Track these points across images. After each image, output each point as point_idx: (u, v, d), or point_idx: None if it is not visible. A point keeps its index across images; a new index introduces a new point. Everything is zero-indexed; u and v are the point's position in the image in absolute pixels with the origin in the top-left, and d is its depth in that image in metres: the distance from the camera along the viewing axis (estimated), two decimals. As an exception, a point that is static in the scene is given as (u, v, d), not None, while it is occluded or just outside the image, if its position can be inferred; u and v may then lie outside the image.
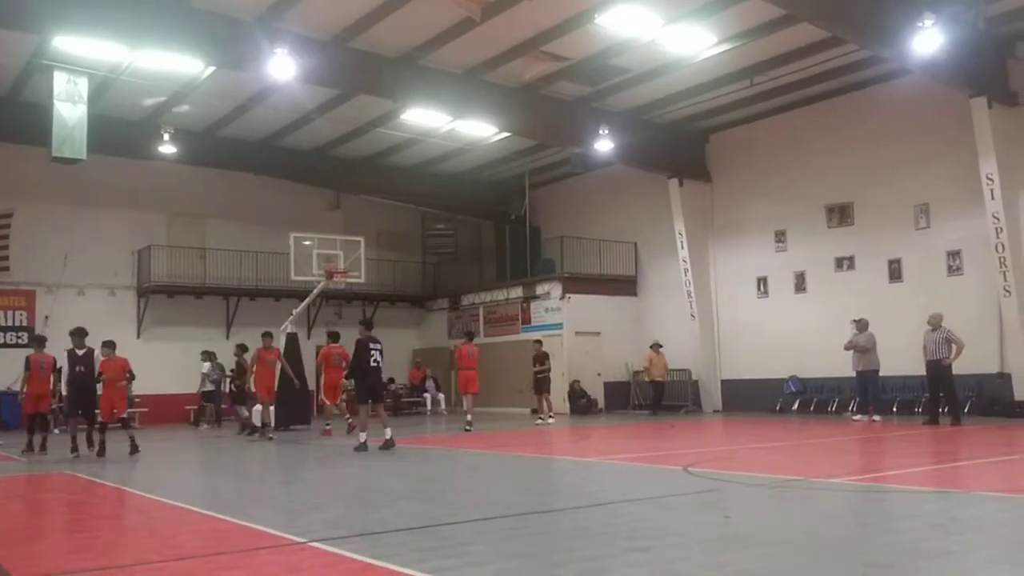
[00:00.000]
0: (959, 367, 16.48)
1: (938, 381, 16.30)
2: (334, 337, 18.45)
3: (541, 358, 20.65)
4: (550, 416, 20.07)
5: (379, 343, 13.77)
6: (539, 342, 21.29)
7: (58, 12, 15.87)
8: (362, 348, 13.51)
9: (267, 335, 17.68)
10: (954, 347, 16.09)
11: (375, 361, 13.54)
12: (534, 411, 20.69)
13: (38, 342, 15.39)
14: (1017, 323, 17.84)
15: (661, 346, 23.47)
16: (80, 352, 13.70)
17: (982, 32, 17.46)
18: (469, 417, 18.20)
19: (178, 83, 20.41)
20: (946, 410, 16.32)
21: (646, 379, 23.80)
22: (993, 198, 17.80)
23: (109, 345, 13.86)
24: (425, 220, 30.94)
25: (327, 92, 20.87)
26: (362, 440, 13.22)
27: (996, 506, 7.16)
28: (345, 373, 15.72)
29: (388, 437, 13.40)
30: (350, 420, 18.02)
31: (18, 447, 14.64)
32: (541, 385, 20.50)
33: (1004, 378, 18.06)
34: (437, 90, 19.97)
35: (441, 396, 27.93)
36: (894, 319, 18.76)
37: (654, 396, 23.35)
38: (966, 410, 17.89)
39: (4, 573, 5.21)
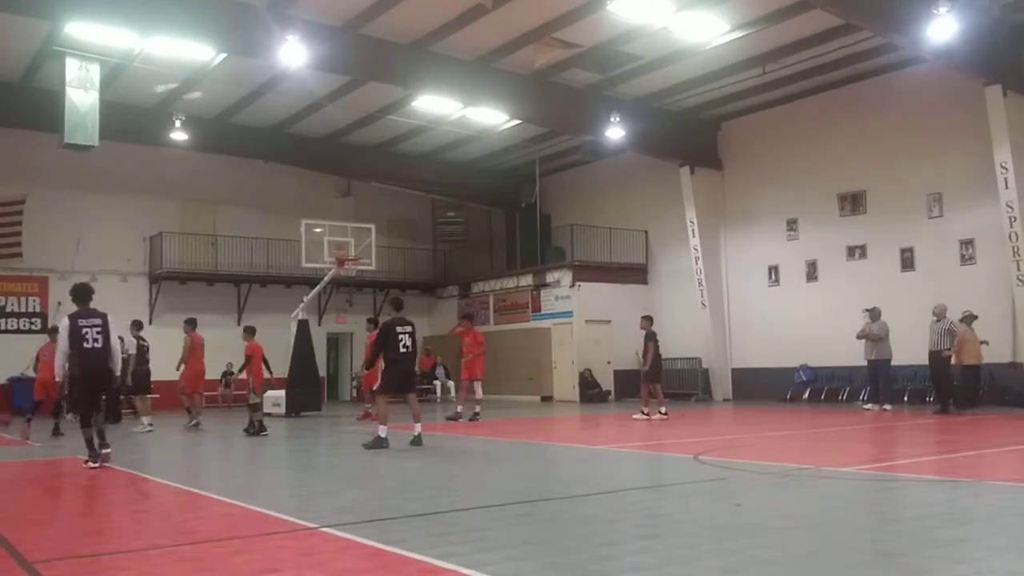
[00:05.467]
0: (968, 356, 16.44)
1: (937, 371, 16.28)
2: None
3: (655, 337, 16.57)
4: (662, 408, 16.50)
5: (410, 325, 12.28)
6: (648, 318, 17.12)
7: (70, -1, 15.93)
8: (388, 332, 12.09)
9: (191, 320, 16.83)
10: (956, 339, 16.03)
11: (404, 347, 12.05)
12: (644, 412, 16.37)
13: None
14: (1030, 312, 17.76)
15: (976, 317, 16.94)
16: (87, 322, 9.94)
17: (997, 19, 17.30)
18: (478, 408, 17.12)
19: (189, 70, 20.42)
20: (952, 400, 16.27)
21: (954, 364, 16.65)
22: (1007, 187, 17.68)
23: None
24: (435, 208, 31.00)
25: (338, 79, 20.86)
26: (382, 435, 11.59)
27: (1006, 495, 7.15)
28: (364, 363, 14.83)
29: (417, 433, 11.87)
30: (368, 408, 17.74)
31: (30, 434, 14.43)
32: (659, 373, 16.71)
33: (1016, 368, 18.00)
34: (448, 77, 19.94)
35: (451, 383, 27.99)
36: (906, 308, 18.65)
37: (961, 384, 16.87)
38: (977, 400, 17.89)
39: (17, 556, 5.25)
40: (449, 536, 5.62)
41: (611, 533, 5.78)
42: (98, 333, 9.92)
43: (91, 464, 9.90)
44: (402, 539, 5.44)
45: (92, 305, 10.21)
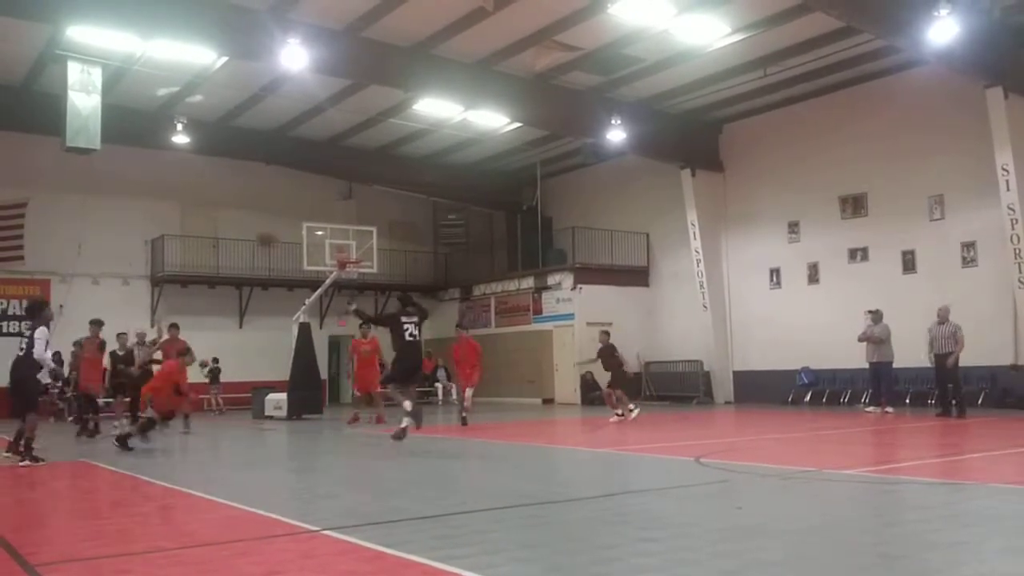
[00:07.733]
0: (971, 358, 16.38)
1: (942, 374, 16.25)
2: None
3: (613, 351, 17.16)
4: (631, 407, 16.89)
5: (415, 315, 11.81)
6: (606, 332, 17.74)
7: (72, 2, 15.95)
8: (394, 321, 11.67)
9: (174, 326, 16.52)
10: (959, 342, 16.04)
11: (411, 335, 11.63)
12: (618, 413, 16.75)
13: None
14: (1032, 315, 17.74)
15: None
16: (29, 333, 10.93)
17: (998, 21, 17.30)
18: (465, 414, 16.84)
19: (191, 73, 20.46)
20: (955, 402, 16.24)
21: None
22: (1008, 189, 17.68)
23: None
24: (437, 210, 31.02)
25: (339, 82, 20.89)
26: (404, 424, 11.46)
27: (1008, 497, 7.14)
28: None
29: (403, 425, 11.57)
30: (357, 412, 17.95)
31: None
32: (622, 379, 17.27)
33: (1018, 370, 17.99)
34: (449, 80, 19.95)
35: (452, 386, 27.99)
36: (908, 311, 18.62)
37: None
38: (979, 402, 17.86)
39: (19, 559, 5.25)
40: (451, 539, 5.62)
41: (613, 535, 5.78)
42: (26, 343, 10.72)
43: (27, 462, 10.55)
44: (404, 541, 5.44)
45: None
